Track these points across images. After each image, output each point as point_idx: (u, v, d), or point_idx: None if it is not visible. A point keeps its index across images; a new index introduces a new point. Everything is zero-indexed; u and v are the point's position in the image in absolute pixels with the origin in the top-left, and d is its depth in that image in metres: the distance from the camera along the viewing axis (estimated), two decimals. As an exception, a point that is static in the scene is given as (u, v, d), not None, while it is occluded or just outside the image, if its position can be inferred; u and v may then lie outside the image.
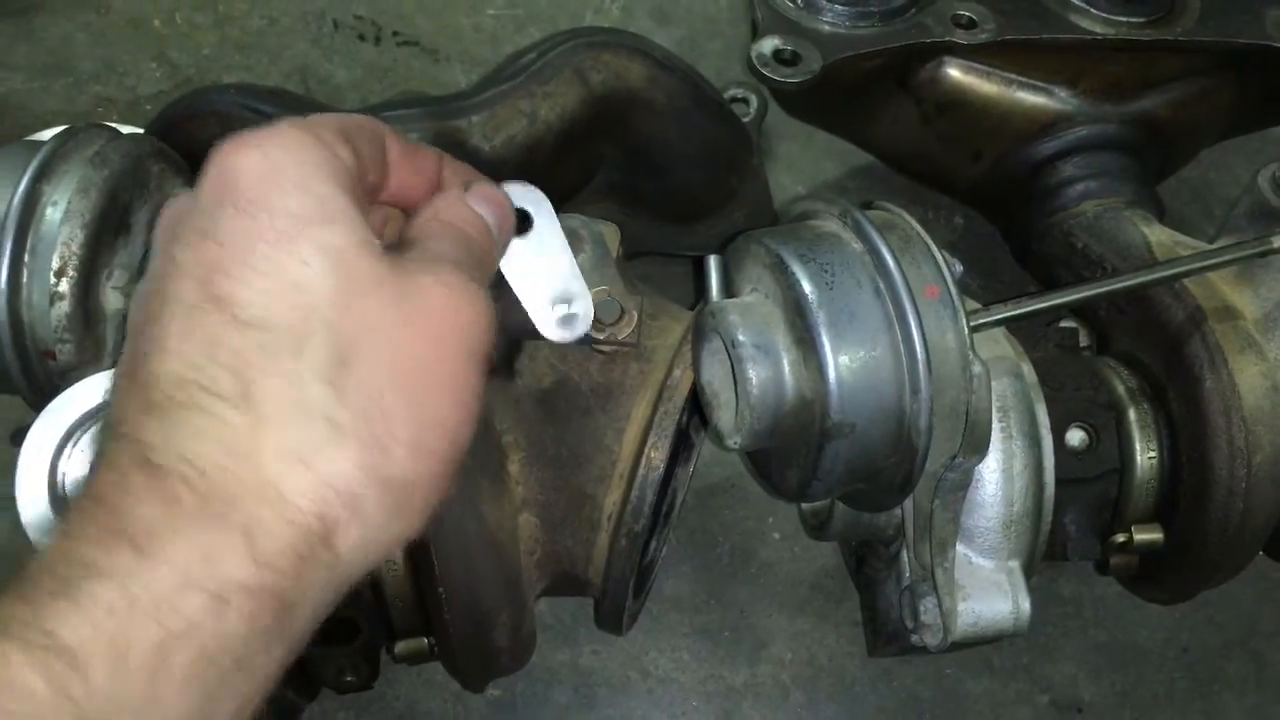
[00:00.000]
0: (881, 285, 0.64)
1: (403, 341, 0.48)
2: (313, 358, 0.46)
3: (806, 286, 0.64)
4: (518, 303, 0.72)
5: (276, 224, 0.48)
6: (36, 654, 0.40)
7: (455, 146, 0.88)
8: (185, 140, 0.87)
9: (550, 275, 0.67)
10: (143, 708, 0.41)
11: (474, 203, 0.59)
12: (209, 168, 0.50)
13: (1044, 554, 0.81)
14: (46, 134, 0.76)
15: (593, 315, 0.70)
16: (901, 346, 0.63)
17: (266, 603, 0.44)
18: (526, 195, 0.65)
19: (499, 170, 0.90)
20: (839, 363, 0.63)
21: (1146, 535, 0.85)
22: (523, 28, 1.30)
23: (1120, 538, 0.85)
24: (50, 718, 0.39)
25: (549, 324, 0.68)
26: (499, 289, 0.71)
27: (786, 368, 0.65)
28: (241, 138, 0.50)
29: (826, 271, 0.65)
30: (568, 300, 0.69)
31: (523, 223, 0.65)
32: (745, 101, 1.12)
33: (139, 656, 0.41)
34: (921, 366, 0.62)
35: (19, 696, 0.39)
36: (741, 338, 0.66)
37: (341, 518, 0.46)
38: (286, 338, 0.46)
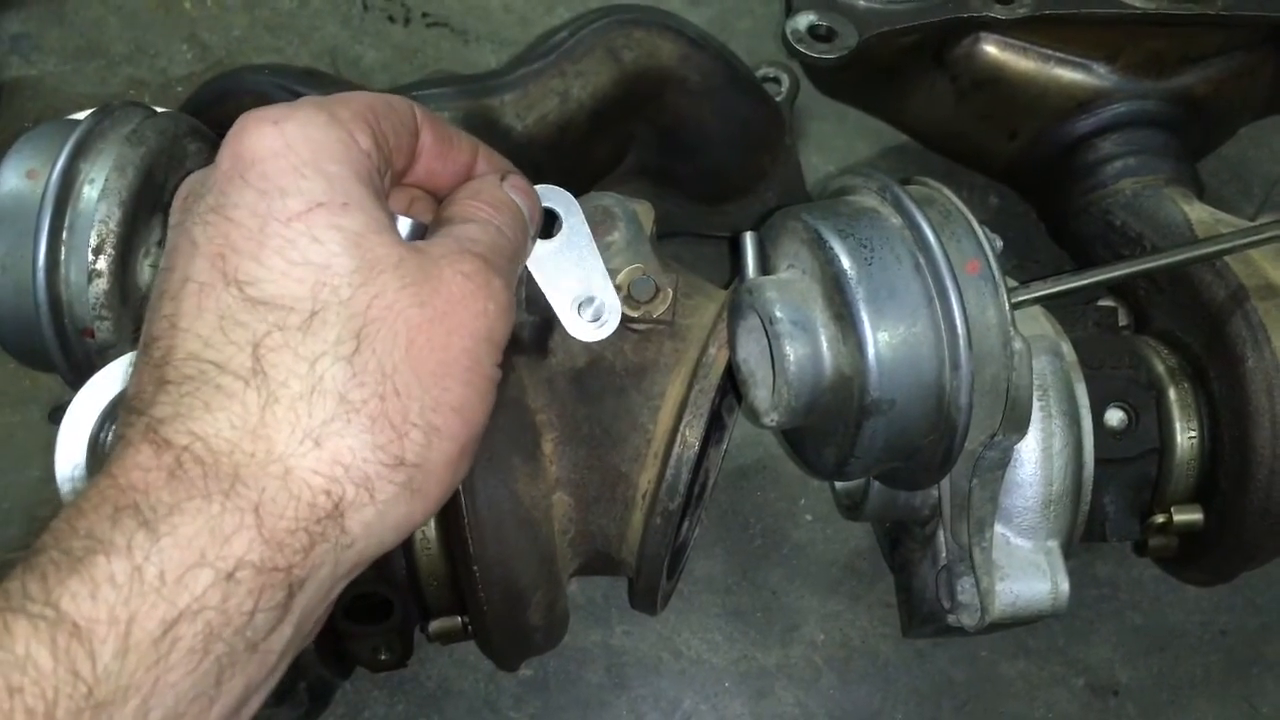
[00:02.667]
0: (921, 260, 0.63)
1: (419, 323, 0.48)
2: (326, 335, 0.46)
3: (845, 262, 0.63)
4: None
5: (290, 204, 0.47)
6: (43, 628, 0.39)
7: (487, 125, 0.88)
8: (219, 120, 0.87)
9: (577, 276, 0.68)
10: (150, 687, 0.41)
11: (510, 191, 0.59)
12: (226, 141, 0.50)
13: (1082, 534, 0.81)
14: (82, 115, 0.77)
15: (619, 316, 0.70)
16: (942, 322, 0.62)
17: (275, 581, 0.44)
18: (556, 196, 0.65)
19: (531, 150, 0.90)
20: (878, 339, 0.62)
21: (1186, 516, 0.84)
22: (552, 9, 1.29)
23: (1160, 518, 0.84)
24: (59, 694, 0.39)
25: (576, 324, 0.69)
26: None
27: (825, 344, 0.65)
28: (259, 113, 0.50)
29: (865, 247, 0.64)
30: (594, 301, 0.69)
31: (551, 224, 0.65)
32: (777, 80, 1.11)
33: (145, 634, 0.41)
34: (962, 342, 0.62)
35: (26, 671, 0.38)
36: (779, 314, 0.65)
37: (352, 497, 0.46)
38: (299, 315, 0.46)
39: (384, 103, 0.54)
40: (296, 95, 0.88)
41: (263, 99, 0.89)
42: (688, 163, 1.02)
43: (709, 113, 0.97)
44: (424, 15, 1.28)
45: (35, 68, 1.22)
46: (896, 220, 0.66)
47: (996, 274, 0.64)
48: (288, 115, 0.49)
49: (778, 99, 1.09)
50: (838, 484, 0.90)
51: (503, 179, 0.59)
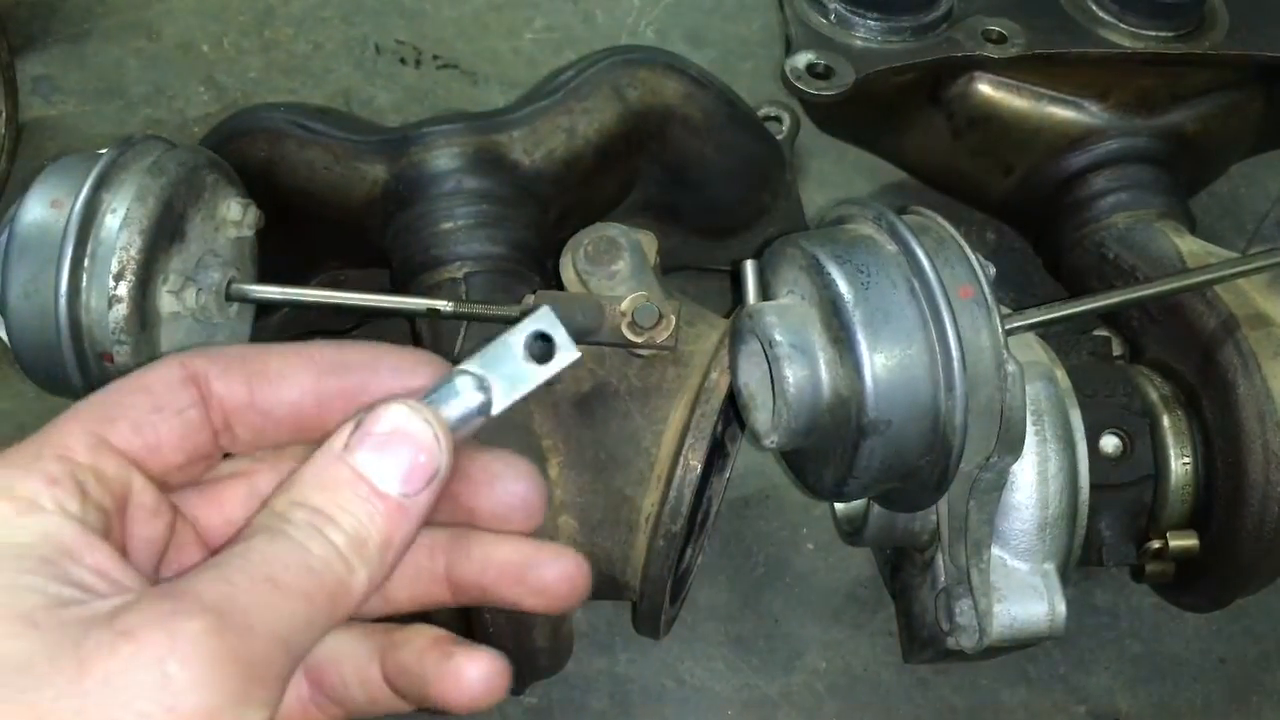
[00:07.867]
0: (916, 285, 0.65)
1: None
2: None
3: (842, 287, 0.65)
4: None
5: None
6: None
7: (496, 160, 0.90)
8: (236, 156, 0.90)
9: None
10: None
11: (361, 459, 0.39)
12: None
13: (1079, 559, 0.82)
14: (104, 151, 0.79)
15: None
16: (936, 345, 0.64)
17: None
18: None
19: (538, 184, 0.93)
20: (875, 361, 0.64)
21: (1182, 542, 0.85)
22: (559, 50, 1.32)
23: (1155, 544, 0.86)
24: None
25: None
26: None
27: (823, 366, 0.67)
28: None
29: (862, 272, 0.66)
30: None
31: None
32: (778, 119, 1.14)
33: None
34: (956, 364, 0.63)
35: None
36: (778, 337, 0.67)
37: None
38: None
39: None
40: (311, 132, 0.91)
41: (278, 135, 0.91)
42: (691, 198, 1.04)
43: (711, 149, 1.00)
44: (435, 58, 1.32)
45: (55, 108, 1.25)
46: (892, 247, 0.68)
47: (989, 299, 0.66)
48: None
49: (779, 137, 1.11)
50: (838, 509, 0.91)
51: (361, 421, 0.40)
